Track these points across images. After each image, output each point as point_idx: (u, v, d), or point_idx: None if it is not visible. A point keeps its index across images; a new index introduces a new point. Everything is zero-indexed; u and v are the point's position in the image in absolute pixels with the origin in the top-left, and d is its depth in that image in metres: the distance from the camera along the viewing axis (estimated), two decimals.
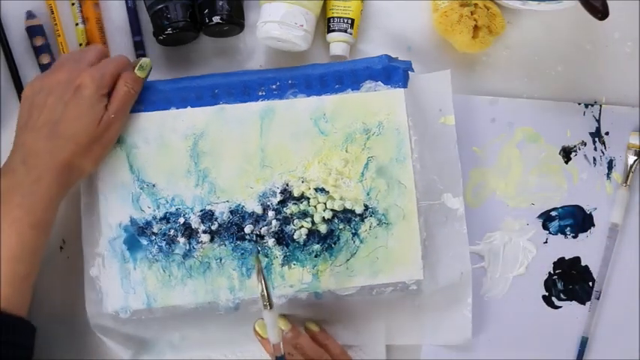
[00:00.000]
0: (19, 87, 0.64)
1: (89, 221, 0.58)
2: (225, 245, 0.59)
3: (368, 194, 0.59)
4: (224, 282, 0.59)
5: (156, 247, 0.58)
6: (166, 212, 0.58)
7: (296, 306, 0.60)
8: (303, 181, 0.59)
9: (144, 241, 0.58)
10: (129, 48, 0.65)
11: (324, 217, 0.59)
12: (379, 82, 0.60)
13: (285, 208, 0.59)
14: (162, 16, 0.62)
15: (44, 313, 0.61)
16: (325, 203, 0.59)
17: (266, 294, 0.52)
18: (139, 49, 0.65)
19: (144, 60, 0.58)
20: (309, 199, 0.59)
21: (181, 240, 0.58)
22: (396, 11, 0.67)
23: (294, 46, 0.62)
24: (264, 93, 0.59)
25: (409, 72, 0.61)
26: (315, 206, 0.59)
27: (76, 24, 0.64)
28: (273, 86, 0.59)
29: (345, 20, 0.64)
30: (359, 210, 0.59)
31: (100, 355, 0.63)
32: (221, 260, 0.58)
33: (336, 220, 0.59)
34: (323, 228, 0.58)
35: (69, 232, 0.62)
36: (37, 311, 0.57)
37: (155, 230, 0.58)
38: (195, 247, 0.58)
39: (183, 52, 0.66)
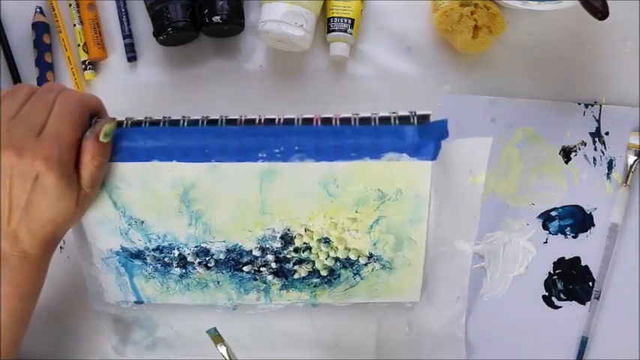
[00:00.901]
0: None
1: (80, 242, 0.56)
2: (223, 273, 0.57)
3: (374, 244, 0.55)
4: (222, 296, 0.59)
5: (151, 267, 0.57)
6: (159, 245, 0.55)
7: (292, 310, 0.61)
8: (306, 230, 0.54)
9: (138, 262, 0.56)
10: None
11: (325, 265, 0.56)
12: (404, 154, 0.49)
13: (285, 252, 0.55)
14: (162, 16, 0.62)
15: (44, 313, 0.61)
16: (328, 252, 0.55)
17: None
18: (129, 51, 0.65)
19: (106, 127, 0.47)
20: (310, 248, 0.55)
21: (177, 269, 0.56)
22: (396, 11, 0.67)
23: (294, 46, 0.62)
24: (264, 155, 0.49)
25: (442, 140, 0.50)
26: (317, 254, 0.56)
27: (74, 25, 0.65)
28: (276, 150, 0.49)
29: (345, 20, 0.64)
30: (363, 260, 0.56)
31: (99, 354, 0.63)
32: (219, 282, 0.58)
33: (338, 264, 0.56)
34: (324, 272, 0.57)
35: (69, 233, 0.62)
36: (37, 312, 0.57)
37: (148, 260, 0.56)
38: (191, 271, 0.57)
39: (184, 52, 0.66)
